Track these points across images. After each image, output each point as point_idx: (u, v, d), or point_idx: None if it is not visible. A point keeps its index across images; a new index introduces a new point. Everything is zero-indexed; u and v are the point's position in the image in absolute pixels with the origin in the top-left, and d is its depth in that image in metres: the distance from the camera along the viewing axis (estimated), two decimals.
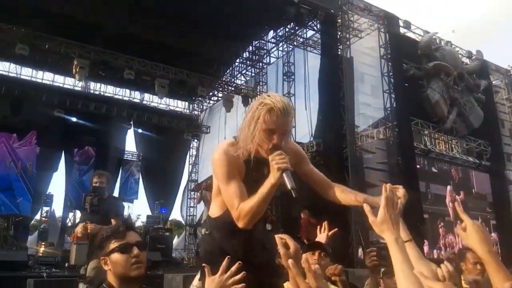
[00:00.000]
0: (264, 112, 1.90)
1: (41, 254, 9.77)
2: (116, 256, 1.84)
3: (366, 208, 1.45)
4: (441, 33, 15.10)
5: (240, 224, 1.93)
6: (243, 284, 1.72)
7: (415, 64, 13.81)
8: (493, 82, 16.79)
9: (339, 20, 12.90)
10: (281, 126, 1.93)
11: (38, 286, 5.16)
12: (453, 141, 15.05)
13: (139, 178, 18.85)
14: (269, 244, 2.19)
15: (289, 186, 1.86)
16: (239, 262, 1.75)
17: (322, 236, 2.84)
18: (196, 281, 2.37)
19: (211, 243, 2.23)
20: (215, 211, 2.22)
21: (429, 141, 14.64)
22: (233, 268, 1.75)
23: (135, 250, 1.87)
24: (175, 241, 16.87)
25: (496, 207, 14.82)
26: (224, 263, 1.76)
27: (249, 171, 2.06)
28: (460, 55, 15.51)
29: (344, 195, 2.19)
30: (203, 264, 1.86)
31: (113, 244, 1.86)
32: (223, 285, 1.73)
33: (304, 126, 13.92)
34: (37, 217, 16.60)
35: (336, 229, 2.88)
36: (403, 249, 1.33)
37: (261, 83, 16.08)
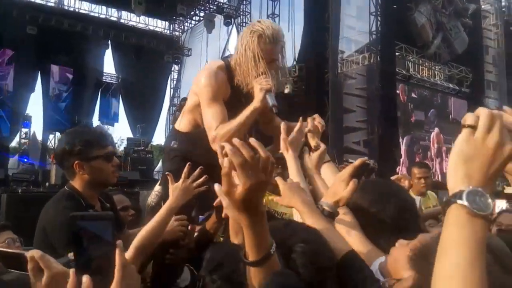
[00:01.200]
0: (255, 40, 1.92)
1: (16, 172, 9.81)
2: (99, 162, 1.85)
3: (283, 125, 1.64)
4: None
5: (214, 146, 1.91)
6: (206, 186, 1.76)
7: None
8: (483, 6, 16.36)
9: None
10: (272, 54, 1.98)
11: (11, 202, 5.23)
12: (436, 67, 15.01)
13: (119, 101, 18.58)
14: None
15: (270, 103, 1.89)
16: (201, 167, 1.77)
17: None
18: (157, 187, 2.41)
19: (176, 155, 2.23)
20: (184, 126, 2.21)
21: (412, 67, 14.57)
22: (196, 172, 1.78)
23: (116, 160, 1.95)
24: (158, 165, 17.08)
25: None
26: (186, 169, 1.79)
27: (233, 100, 2.05)
28: None
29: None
30: (167, 172, 1.90)
31: (97, 151, 1.84)
32: (187, 189, 1.78)
33: (287, 50, 13.55)
34: (17, 139, 16.52)
35: None
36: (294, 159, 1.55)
37: (244, 2, 15.36)
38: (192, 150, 2.15)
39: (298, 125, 1.64)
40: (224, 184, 0.90)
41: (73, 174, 1.87)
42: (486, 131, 0.65)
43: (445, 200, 0.66)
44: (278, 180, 1.34)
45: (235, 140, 0.85)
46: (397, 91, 13.14)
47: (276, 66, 2.07)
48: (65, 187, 1.93)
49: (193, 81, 2.14)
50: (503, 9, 17.04)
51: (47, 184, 9.13)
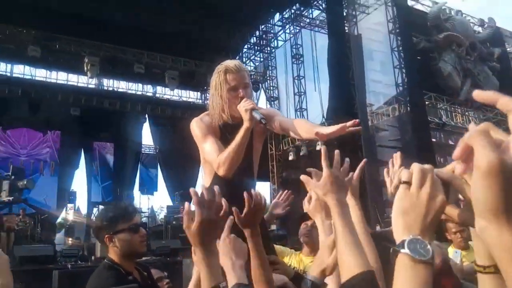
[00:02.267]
0: (222, 75, 2.11)
1: (65, 248, 10.14)
2: (125, 235, 2.01)
3: (307, 198, 1.49)
4: (450, 2, 14.75)
5: (220, 172, 2.00)
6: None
7: (425, 36, 13.57)
8: (508, 49, 16.33)
9: None
10: (241, 80, 2.12)
11: (63, 277, 5.40)
12: (470, 112, 14.81)
13: (157, 171, 19.19)
14: None
15: (258, 118, 2.00)
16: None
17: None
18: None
19: None
20: (206, 180, 2.28)
21: (445, 114, 14.45)
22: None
23: (142, 230, 2.10)
24: None
25: None
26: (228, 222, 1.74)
27: (224, 135, 2.16)
28: (471, 24, 15.15)
29: (299, 130, 2.11)
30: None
31: (122, 225, 2.01)
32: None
33: (316, 108, 13.92)
34: (63, 215, 17.15)
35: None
36: (344, 212, 1.20)
37: (270, 67, 16.08)
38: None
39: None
40: (184, 221, 1.24)
41: (107, 247, 2.05)
42: (419, 186, 0.71)
43: (391, 251, 0.72)
44: (323, 162, 1.26)
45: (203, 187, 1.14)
46: (433, 139, 12.96)
47: (251, 89, 2.19)
48: (105, 259, 2.10)
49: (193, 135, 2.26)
50: None
51: (92, 257, 9.30)
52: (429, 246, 0.68)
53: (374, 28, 13.15)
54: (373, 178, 11.15)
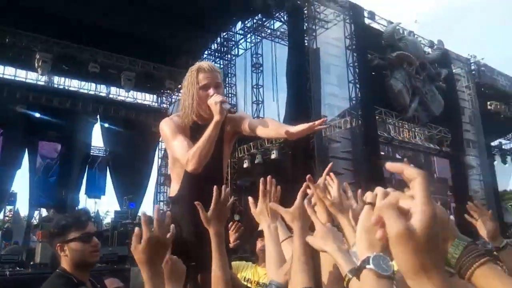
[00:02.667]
0: (195, 74, 2.12)
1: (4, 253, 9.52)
2: (76, 244, 1.97)
3: (250, 200, 1.67)
4: (404, 23, 15.55)
5: (189, 167, 1.97)
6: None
7: (379, 54, 14.17)
8: (454, 70, 17.41)
9: (305, 11, 13.06)
10: (213, 79, 2.13)
11: (1, 285, 5.06)
12: (416, 128, 15.60)
13: (106, 174, 18.56)
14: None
15: (227, 107, 2.03)
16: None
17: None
18: None
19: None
20: (173, 186, 2.23)
21: (393, 129, 15.12)
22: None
23: (95, 240, 2.04)
24: None
25: (455, 191, 15.51)
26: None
27: (194, 136, 2.12)
28: (422, 45, 16.03)
29: (267, 129, 2.12)
30: None
31: (74, 234, 1.96)
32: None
33: (273, 117, 14.06)
34: (0, 216, 16.14)
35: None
36: (274, 234, 1.59)
37: (229, 74, 16.10)
38: (180, 212, 2.13)
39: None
40: (132, 242, 1.30)
41: (59, 256, 2.01)
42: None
43: (357, 267, 0.78)
44: (314, 218, 1.33)
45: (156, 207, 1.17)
46: (381, 153, 13.52)
47: (223, 90, 2.21)
48: (57, 269, 2.04)
49: (162, 137, 2.25)
50: (473, 72, 18.15)
51: (31, 263, 8.81)
52: (391, 262, 0.74)
53: (332, 43, 13.56)
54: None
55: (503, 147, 22.06)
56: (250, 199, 1.66)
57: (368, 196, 0.80)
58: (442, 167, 15.77)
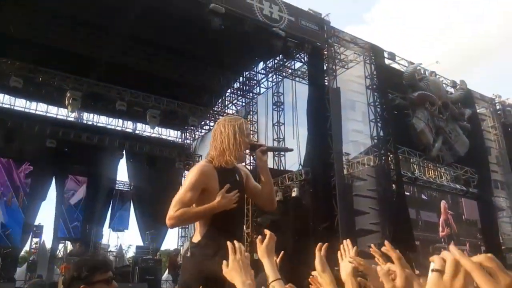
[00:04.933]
0: (242, 123, 2.39)
1: (27, 286, 9.67)
2: (100, 285, 2.01)
3: (224, 262, 1.66)
4: (425, 63, 15.57)
5: (167, 221, 2.18)
6: None
7: (400, 94, 14.18)
8: (478, 110, 17.17)
9: (325, 52, 13.33)
10: (249, 132, 2.49)
11: None
12: (442, 169, 15.29)
13: (130, 208, 18.83)
14: None
15: (284, 148, 2.31)
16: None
17: None
18: None
19: (190, 266, 2.32)
20: (200, 230, 2.32)
21: (418, 169, 14.86)
22: None
23: (115, 284, 2.11)
24: (166, 273, 16.70)
25: (485, 233, 14.92)
26: None
27: (223, 179, 2.27)
28: (444, 85, 15.96)
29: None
30: None
31: (99, 276, 2.02)
32: None
33: (293, 155, 14.13)
34: (27, 248, 16.46)
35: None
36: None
37: (251, 112, 16.39)
38: (203, 259, 2.23)
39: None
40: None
41: None
42: (452, 276, 0.74)
43: None
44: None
45: None
46: (406, 193, 13.22)
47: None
48: None
49: None
50: (499, 112, 17.84)
51: None
52: None
53: (355, 80, 13.70)
54: (349, 227, 11.24)
55: None
56: (224, 262, 1.65)
57: (436, 261, 0.76)
58: (470, 208, 15.24)
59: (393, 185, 12.71)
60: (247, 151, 2.41)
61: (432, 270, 0.77)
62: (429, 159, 14.60)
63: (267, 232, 1.82)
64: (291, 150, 2.59)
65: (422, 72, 15.20)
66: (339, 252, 1.77)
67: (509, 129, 17.69)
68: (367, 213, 12.18)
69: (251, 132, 15.55)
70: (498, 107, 17.92)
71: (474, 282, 0.73)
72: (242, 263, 1.61)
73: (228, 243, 1.69)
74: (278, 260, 2.98)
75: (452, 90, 16.31)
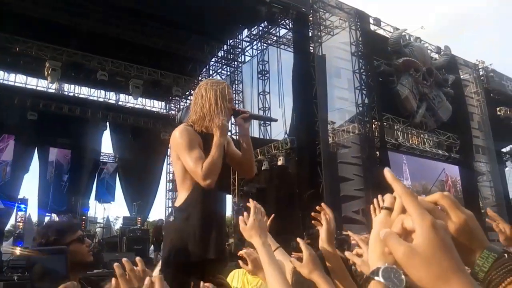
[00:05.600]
0: (224, 87, 2.28)
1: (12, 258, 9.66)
2: (75, 246, 2.01)
3: (241, 218, 1.62)
4: (410, 29, 15.51)
5: (205, 182, 2.03)
6: None
7: (385, 60, 14.15)
8: (462, 76, 17.29)
9: (310, 18, 13.12)
10: (232, 97, 2.36)
11: None
12: (425, 135, 15.50)
13: (116, 180, 18.77)
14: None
15: (268, 116, 2.23)
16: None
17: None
18: (155, 271, 2.39)
19: (171, 230, 2.25)
20: (179, 200, 2.24)
21: (401, 136, 15.04)
22: None
23: (88, 240, 2.13)
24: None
25: (465, 197, 15.33)
26: None
27: (206, 145, 2.18)
28: (429, 51, 15.95)
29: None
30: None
31: (69, 237, 2.02)
32: None
33: (279, 124, 14.12)
34: (12, 221, 16.38)
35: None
36: (269, 252, 1.54)
37: (236, 81, 16.20)
38: (186, 221, 2.17)
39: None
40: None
41: None
42: (399, 213, 0.71)
43: (365, 277, 0.71)
44: (304, 246, 1.47)
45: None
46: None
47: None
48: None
49: (171, 146, 2.28)
50: (482, 78, 17.99)
51: None
52: (403, 276, 0.67)
53: (341, 47, 13.56)
54: (333, 194, 11.42)
55: None
56: (241, 217, 1.62)
57: (386, 199, 0.75)
58: (452, 174, 15.60)
59: (377, 152, 12.87)
60: (231, 117, 2.32)
61: (381, 208, 0.76)
62: (413, 125, 14.76)
63: (251, 203, 1.69)
64: (275, 120, 2.51)
65: (407, 38, 15.14)
66: (371, 207, 1.69)
67: (491, 95, 17.92)
68: (352, 179, 12.36)
69: (236, 101, 15.43)
70: (481, 73, 18.06)
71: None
72: (261, 224, 1.59)
73: (250, 200, 1.67)
74: (268, 222, 3.00)
75: (436, 56, 16.33)
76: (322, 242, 1.68)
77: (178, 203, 2.22)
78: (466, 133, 16.01)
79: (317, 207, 1.79)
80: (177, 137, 2.18)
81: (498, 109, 17.70)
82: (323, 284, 1.38)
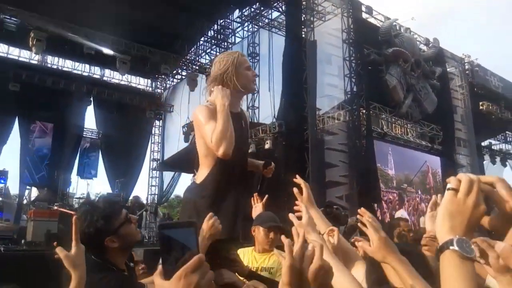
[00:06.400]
0: (237, 56, 2.31)
1: None
2: (125, 228, 1.86)
3: (291, 215, 1.50)
4: (401, 19, 15.55)
5: (218, 151, 2.01)
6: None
7: (375, 49, 14.20)
8: (448, 69, 17.52)
9: (304, 2, 13.03)
10: (249, 64, 2.40)
11: None
12: (408, 125, 15.73)
13: (99, 156, 18.55)
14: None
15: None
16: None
17: (258, 207, 2.91)
18: None
19: (191, 207, 2.22)
20: (202, 172, 2.21)
21: (386, 125, 15.22)
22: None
23: (134, 217, 1.98)
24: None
25: (445, 189, 15.72)
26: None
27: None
28: (418, 42, 16.08)
29: None
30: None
31: (119, 219, 1.85)
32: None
33: (267, 107, 14.12)
34: None
35: (266, 195, 2.95)
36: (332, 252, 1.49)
37: None
38: (202, 199, 2.18)
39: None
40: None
41: (103, 250, 1.83)
42: (466, 194, 0.83)
43: (439, 247, 0.83)
44: (371, 229, 1.40)
45: None
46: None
47: None
48: (95, 259, 1.82)
49: (194, 124, 2.26)
50: (467, 72, 18.28)
51: (22, 241, 8.86)
52: (472, 246, 0.80)
53: (333, 33, 13.54)
54: (319, 180, 11.56)
55: (493, 147, 22.36)
56: (291, 214, 1.49)
57: (451, 181, 0.86)
58: (433, 165, 15.94)
59: (363, 140, 13.01)
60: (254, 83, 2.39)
61: (448, 189, 0.86)
62: (398, 115, 14.95)
63: (300, 180, 1.83)
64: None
65: (398, 28, 15.21)
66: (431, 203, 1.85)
67: (475, 89, 18.25)
68: (337, 166, 12.51)
69: None
70: (466, 67, 18.34)
71: (482, 201, 0.85)
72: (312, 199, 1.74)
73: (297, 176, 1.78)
74: (263, 202, 3.05)
75: (425, 47, 16.48)
76: (305, 202, 1.79)
77: (198, 179, 2.22)
78: (449, 126, 16.31)
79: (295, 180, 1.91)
80: (197, 114, 2.18)
81: (481, 103, 18.06)
82: (400, 267, 1.30)
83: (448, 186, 0.86)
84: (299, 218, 1.53)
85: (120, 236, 1.83)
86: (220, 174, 2.12)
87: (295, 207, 1.72)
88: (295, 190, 1.81)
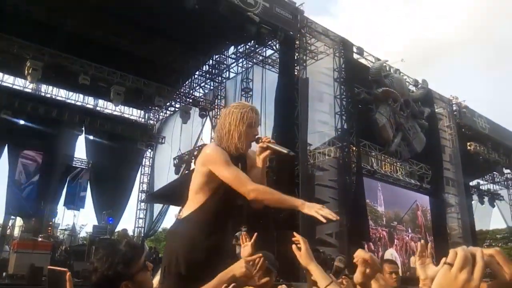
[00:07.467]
0: (247, 111, 2.26)
1: None
2: (141, 275, 1.76)
3: (294, 246, 1.86)
4: (391, 61, 16.04)
5: (252, 194, 2.05)
6: None
7: (366, 88, 14.56)
8: (437, 110, 17.94)
9: (297, 42, 13.42)
10: (257, 122, 2.32)
11: None
12: (398, 163, 15.91)
13: (87, 187, 18.30)
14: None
15: (285, 151, 2.27)
16: None
17: (246, 248, 2.71)
18: (155, 281, 2.27)
19: (176, 240, 2.22)
20: (190, 207, 2.21)
21: (376, 163, 15.39)
22: None
23: (150, 264, 1.87)
24: None
25: (434, 226, 15.75)
26: None
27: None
28: (407, 83, 16.54)
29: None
30: None
31: (137, 264, 1.76)
32: None
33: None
34: None
35: (255, 233, 2.83)
36: (322, 271, 1.82)
37: (219, 96, 16.29)
38: (189, 231, 2.17)
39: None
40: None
41: None
42: (459, 269, 0.85)
43: None
44: (302, 241, 1.81)
45: None
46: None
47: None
48: None
49: (199, 162, 2.24)
50: (455, 113, 18.72)
51: (3, 274, 8.57)
52: None
53: (325, 72, 13.90)
54: (308, 216, 11.47)
55: (481, 187, 22.59)
56: (294, 246, 1.85)
57: (450, 256, 0.87)
58: (422, 203, 16.05)
59: (353, 177, 13.10)
60: (250, 142, 2.29)
61: (444, 263, 0.88)
62: (388, 153, 15.15)
63: (298, 237, 1.88)
64: (293, 155, 2.45)
65: (388, 69, 15.66)
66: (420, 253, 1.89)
67: (463, 130, 18.63)
68: (327, 202, 12.48)
69: (218, 117, 15.46)
70: (454, 108, 18.80)
71: (476, 276, 0.86)
72: (311, 254, 1.85)
73: (295, 234, 1.87)
74: (252, 241, 3.00)
75: (414, 88, 16.93)
76: (304, 258, 1.87)
77: (185, 213, 2.22)
78: (438, 165, 16.53)
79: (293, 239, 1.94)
80: (213, 152, 2.19)
81: (468, 144, 18.41)
82: (317, 272, 1.75)
83: (444, 260, 0.88)
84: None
85: (135, 283, 1.73)
86: (208, 214, 2.15)
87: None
88: (293, 247, 1.86)
